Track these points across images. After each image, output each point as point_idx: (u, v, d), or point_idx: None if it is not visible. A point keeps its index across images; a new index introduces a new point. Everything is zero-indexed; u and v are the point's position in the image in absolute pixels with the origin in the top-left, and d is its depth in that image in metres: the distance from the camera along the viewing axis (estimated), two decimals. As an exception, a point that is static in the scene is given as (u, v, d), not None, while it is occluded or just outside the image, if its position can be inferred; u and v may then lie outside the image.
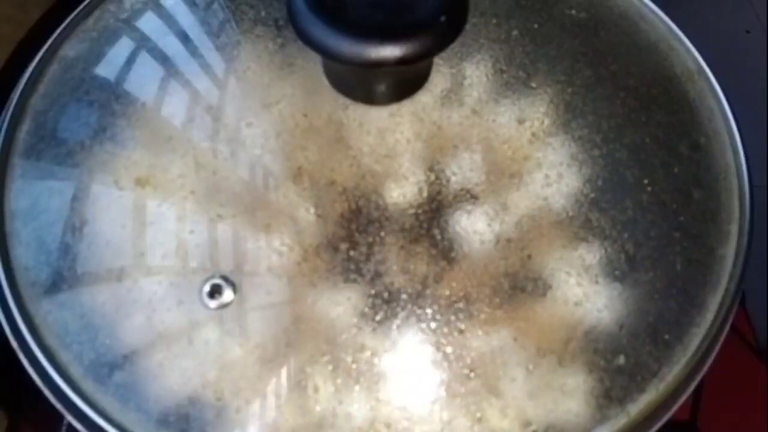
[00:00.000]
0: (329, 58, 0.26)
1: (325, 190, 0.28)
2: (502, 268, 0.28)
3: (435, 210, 0.28)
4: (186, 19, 0.32)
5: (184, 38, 0.32)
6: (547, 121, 0.30)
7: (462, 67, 0.30)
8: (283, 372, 0.27)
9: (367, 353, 0.27)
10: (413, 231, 0.28)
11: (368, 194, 0.28)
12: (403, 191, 0.28)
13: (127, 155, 0.29)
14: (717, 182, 0.31)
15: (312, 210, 0.28)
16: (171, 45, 0.31)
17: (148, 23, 0.32)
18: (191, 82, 0.30)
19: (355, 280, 0.27)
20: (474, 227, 0.28)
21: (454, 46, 0.29)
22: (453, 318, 0.27)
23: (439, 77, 0.30)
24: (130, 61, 0.31)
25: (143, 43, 0.32)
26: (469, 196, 0.28)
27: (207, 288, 0.27)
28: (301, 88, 0.30)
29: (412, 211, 0.28)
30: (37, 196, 0.30)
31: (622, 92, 0.31)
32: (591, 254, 0.28)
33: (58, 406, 0.27)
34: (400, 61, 0.25)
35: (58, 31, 0.33)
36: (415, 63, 0.26)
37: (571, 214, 0.29)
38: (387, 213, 0.28)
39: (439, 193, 0.28)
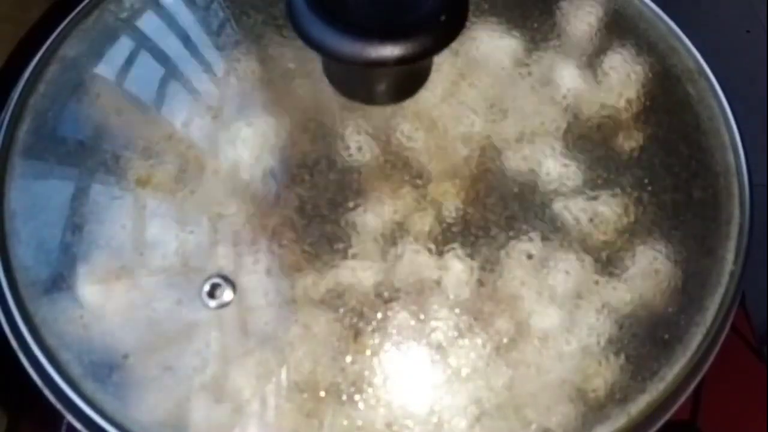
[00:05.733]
0: (329, 57, 0.26)
1: (325, 190, 0.28)
2: (501, 267, 0.28)
3: (435, 210, 0.28)
4: (186, 19, 0.32)
5: (184, 38, 0.32)
6: (546, 121, 0.30)
7: (462, 67, 0.30)
8: (283, 372, 0.27)
9: (368, 353, 0.27)
10: (414, 231, 0.28)
11: (369, 194, 0.28)
12: (403, 191, 0.28)
13: (127, 155, 0.29)
14: (717, 182, 0.31)
15: (312, 209, 0.28)
16: (171, 45, 0.31)
17: (148, 23, 0.32)
18: (191, 82, 0.30)
19: (354, 280, 0.27)
20: (472, 228, 0.28)
21: (454, 46, 0.29)
22: (453, 318, 0.27)
23: (439, 77, 0.30)
24: (130, 60, 0.31)
25: (143, 42, 0.32)
26: (469, 196, 0.28)
27: (207, 288, 0.27)
28: (301, 88, 0.30)
29: (412, 210, 0.28)
30: (37, 195, 0.30)
31: (622, 92, 0.31)
32: (591, 254, 0.28)
33: (58, 406, 0.27)
34: (400, 61, 0.25)
35: (58, 30, 0.33)
36: (415, 62, 0.26)
37: (571, 214, 0.29)
38: (388, 212, 0.28)
39: (438, 191, 0.28)
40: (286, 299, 0.27)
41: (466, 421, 0.26)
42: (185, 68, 0.31)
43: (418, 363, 0.27)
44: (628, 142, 0.30)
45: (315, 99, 0.30)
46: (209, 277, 0.27)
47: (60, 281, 0.28)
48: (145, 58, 0.31)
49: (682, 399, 0.28)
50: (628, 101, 0.31)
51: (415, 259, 0.27)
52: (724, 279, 0.30)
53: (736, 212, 0.31)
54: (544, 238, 0.28)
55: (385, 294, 0.27)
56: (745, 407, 0.47)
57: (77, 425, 0.27)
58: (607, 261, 0.28)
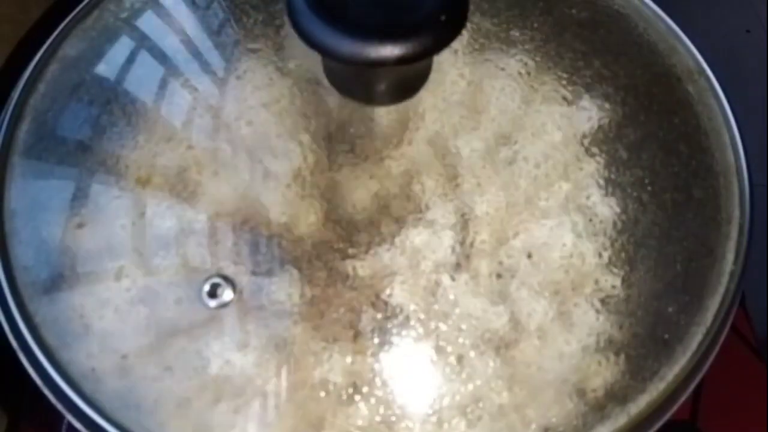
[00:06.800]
0: (329, 57, 0.26)
1: (325, 190, 0.28)
2: (501, 268, 0.28)
3: (435, 210, 0.28)
4: (186, 19, 0.32)
5: (184, 38, 0.32)
6: (546, 121, 0.30)
7: (462, 67, 0.30)
8: (283, 372, 0.27)
9: (368, 353, 0.27)
10: (413, 231, 0.28)
11: (369, 194, 0.28)
12: (404, 191, 0.28)
13: (127, 155, 0.29)
14: (717, 182, 0.31)
15: (312, 209, 0.28)
16: (171, 45, 0.31)
17: (148, 23, 0.32)
18: (191, 82, 0.30)
19: (355, 280, 0.27)
20: (473, 228, 0.28)
21: (454, 46, 0.29)
22: (453, 318, 0.27)
23: (440, 77, 0.30)
24: (130, 60, 0.31)
25: (143, 42, 0.32)
26: (468, 196, 0.28)
27: (207, 287, 0.27)
28: (301, 88, 0.30)
29: (412, 210, 0.28)
30: (36, 195, 0.30)
31: (622, 92, 0.31)
32: (591, 254, 0.28)
33: (58, 406, 0.27)
34: (400, 61, 0.25)
35: (58, 30, 0.33)
36: (414, 62, 0.25)
37: (571, 214, 0.29)
38: (387, 213, 0.28)
39: (439, 192, 0.28)
40: (287, 299, 0.27)
41: (466, 421, 0.26)
42: (185, 68, 0.31)
43: (418, 363, 0.27)
44: (628, 141, 0.30)
45: (315, 99, 0.30)
46: (209, 277, 0.27)
47: (60, 281, 0.28)
48: (145, 58, 0.31)
49: (682, 399, 0.28)
50: (628, 101, 0.31)
51: (416, 259, 0.27)
52: (724, 279, 0.30)
53: (736, 212, 0.31)
54: (542, 234, 0.28)
55: (386, 293, 0.27)
56: (745, 407, 0.47)
57: (77, 425, 0.27)
58: (608, 260, 0.28)
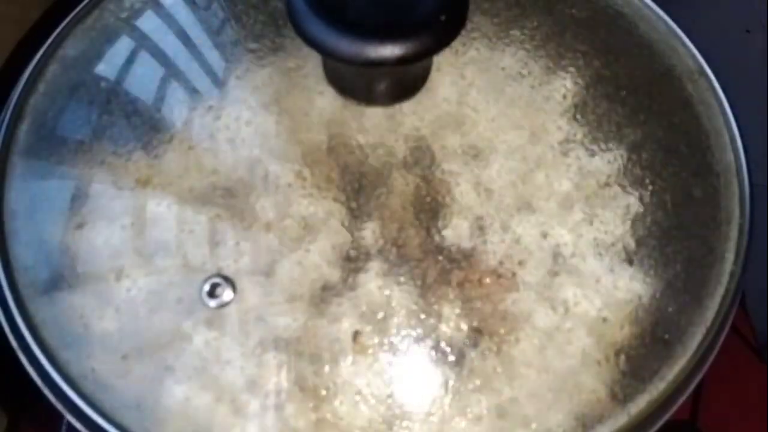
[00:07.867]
0: (329, 57, 0.26)
1: (326, 190, 0.28)
2: (501, 268, 0.28)
3: (435, 209, 0.28)
4: (186, 18, 0.32)
5: (184, 38, 0.32)
6: (546, 121, 0.30)
7: (462, 67, 0.30)
8: (283, 372, 0.27)
9: (368, 352, 0.27)
10: (414, 231, 0.28)
11: (369, 194, 0.28)
12: (404, 191, 0.28)
13: (127, 155, 0.29)
14: (717, 182, 0.31)
15: (312, 210, 0.28)
16: (171, 45, 0.31)
17: (148, 22, 0.32)
18: (191, 82, 0.30)
19: (355, 280, 0.27)
20: (475, 228, 0.28)
21: (454, 46, 0.29)
22: (453, 318, 0.27)
23: (440, 77, 0.30)
24: (130, 60, 0.31)
25: (143, 42, 0.32)
26: (467, 196, 0.28)
27: (207, 287, 0.27)
28: (301, 88, 0.30)
29: (413, 210, 0.28)
30: (36, 195, 0.30)
31: (622, 91, 0.31)
32: (591, 255, 0.28)
33: (58, 405, 0.27)
34: (400, 61, 0.25)
35: (58, 30, 0.33)
36: (414, 62, 0.26)
37: (571, 214, 0.29)
38: (388, 213, 0.28)
39: (439, 192, 0.28)
40: (286, 299, 0.27)
41: (466, 421, 0.26)
42: (185, 68, 0.31)
43: (418, 363, 0.27)
44: (628, 141, 0.30)
45: (315, 99, 0.30)
46: (209, 277, 0.27)
47: (60, 281, 0.28)
48: (145, 58, 0.31)
49: (682, 399, 0.28)
50: (628, 100, 0.31)
51: (416, 259, 0.27)
52: (724, 279, 0.30)
53: (736, 212, 0.31)
54: (543, 235, 0.28)
55: (386, 293, 0.27)
56: (745, 407, 0.47)
57: (77, 425, 0.27)
58: (608, 260, 0.28)
